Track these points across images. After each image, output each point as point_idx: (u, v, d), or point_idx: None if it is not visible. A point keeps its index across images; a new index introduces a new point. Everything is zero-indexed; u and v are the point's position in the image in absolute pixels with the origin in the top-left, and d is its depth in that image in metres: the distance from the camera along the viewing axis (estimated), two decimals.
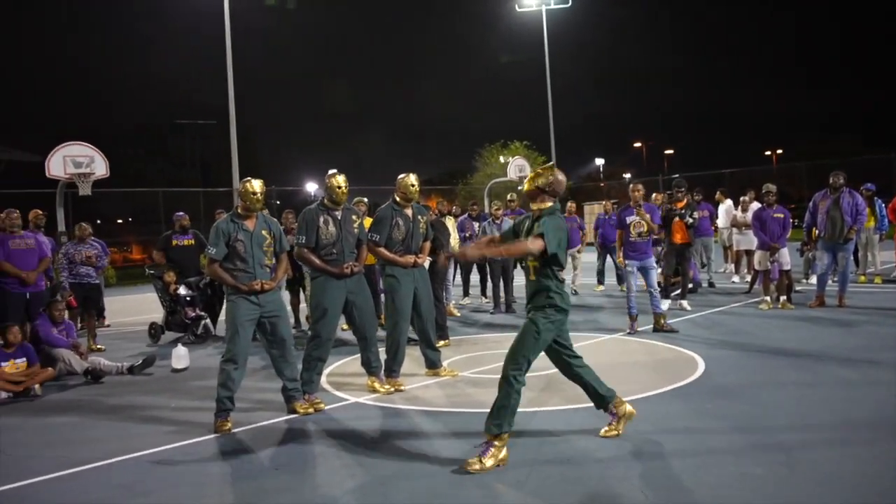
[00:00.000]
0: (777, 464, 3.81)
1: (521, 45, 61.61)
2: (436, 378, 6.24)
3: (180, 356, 7.28)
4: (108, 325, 11.01)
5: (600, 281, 12.60)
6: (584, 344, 7.53)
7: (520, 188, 23.09)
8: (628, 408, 4.44)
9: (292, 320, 9.35)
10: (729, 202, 13.49)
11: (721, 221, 13.58)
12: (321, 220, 5.61)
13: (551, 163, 6.14)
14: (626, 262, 8.10)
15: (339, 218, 5.68)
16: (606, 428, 4.40)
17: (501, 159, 32.25)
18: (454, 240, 9.62)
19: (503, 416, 4.00)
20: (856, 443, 4.08)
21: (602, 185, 39.26)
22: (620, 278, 8.93)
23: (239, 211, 5.26)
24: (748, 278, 11.51)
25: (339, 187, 5.65)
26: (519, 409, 4.98)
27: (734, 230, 12.64)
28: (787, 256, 9.26)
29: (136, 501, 3.78)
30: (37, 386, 6.43)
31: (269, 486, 3.89)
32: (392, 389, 5.80)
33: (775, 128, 72.93)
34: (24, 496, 3.95)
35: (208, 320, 9.10)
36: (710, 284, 11.91)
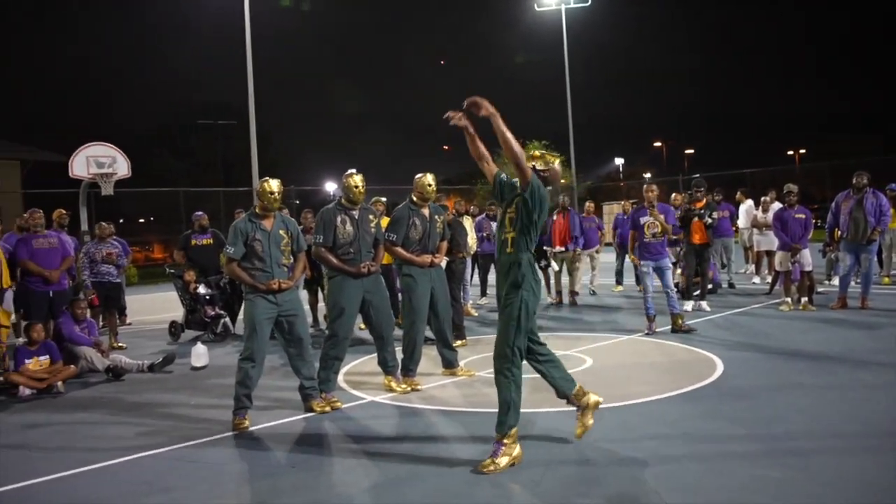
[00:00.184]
0: (794, 468, 3.77)
1: (540, 44, 61.47)
2: (452, 378, 6.25)
3: (200, 354, 7.36)
4: (130, 324, 11.14)
5: (619, 281, 12.54)
6: (601, 344, 7.51)
7: None
8: (593, 398, 4.28)
9: (310, 319, 9.42)
10: (749, 202, 13.36)
11: (742, 222, 13.45)
12: (338, 219, 5.65)
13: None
14: (642, 262, 8.06)
15: (357, 217, 5.71)
16: (578, 421, 4.30)
17: None
18: (472, 239, 9.63)
19: (507, 414, 3.96)
20: (876, 448, 4.03)
21: (621, 184, 39.03)
22: (639, 279, 8.88)
23: (257, 210, 5.31)
24: (769, 279, 11.39)
25: (357, 187, 5.69)
26: (534, 410, 5.01)
27: (755, 231, 12.51)
28: (808, 257, 9.16)
29: (155, 498, 3.83)
30: (59, 383, 6.53)
31: (285, 484, 3.93)
32: (408, 389, 5.82)
33: (798, 128, 72.11)
34: (48, 491, 4.02)
35: (227, 319, 9.19)
36: (731, 285, 11.81)
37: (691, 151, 55.60)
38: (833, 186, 22.63)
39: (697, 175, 27.17)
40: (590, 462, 4.00)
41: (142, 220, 41.10)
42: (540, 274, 10.38)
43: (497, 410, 4.07)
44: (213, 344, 8.61)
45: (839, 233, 9.20)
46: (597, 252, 12.28)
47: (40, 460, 4.55)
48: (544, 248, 11.10)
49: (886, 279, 11.22)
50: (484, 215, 11.68)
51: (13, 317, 8.12)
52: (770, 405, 4.97)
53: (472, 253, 9.76)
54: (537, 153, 4.31)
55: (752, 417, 4.70)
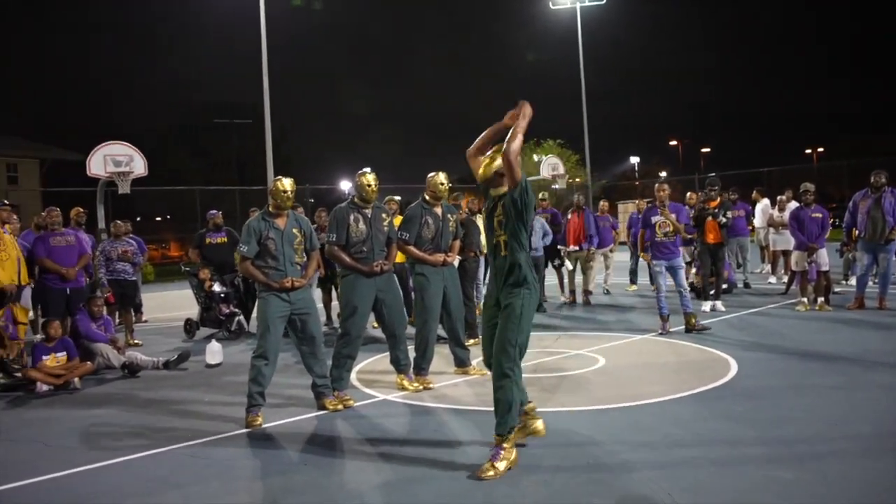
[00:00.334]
0: (808, 469, 3.74)
1: (555, 42, 61.29)
2: (465, 376, 6.25)
3: (214, 352, 7.42)
4: (146, 321, 11.24)
5: (633, 280, 12.49)
6: (615, 344, 7.48)
7: (555, 187, 23.03)
8: (539, 424, 4.25)
9: (324, 318, 9.46)
10: (765, 201, 13.26)
11: (758, 221, 13.35)
12: (351, 217, 5.67)
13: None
14: (654, 262, 8.02)
15: (370, 216, 5.73)
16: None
17: (535, 158, 32.12)
18: (484, 238, 9.60)
19: (509, 413, 3.90)
20: (891, 450, 3.99)
21: (636, 183, 38.83)
22: (653, 278, 8.83)
23: (270, 209, 5.34)
24: (785, 279, 11.30)
25: (369, 185, 5.70)
26: (546, 409, 5.00)
27: (771, 230, 12.41)
28: (825, 257, 9.07)
29: (169, 494, 3.87)
30: (76, 379, 6.60)
31: (297, 482, 3.95)
32: (421, 387, 5.84)
33: (817, 126, 71.40)
34: (63, 486, 4.07)
35: (242, 317, 9.25)
36: (746, 285, 11.72)
37: (707, 150, 55.16)
38: (851, 185, 22.40)
39: (713, 174, 27.01)
40: (600, 462, 3.99)
41: (158, 219, 41.48)
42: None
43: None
44: (228, 342, 8.67)
45: (857, 232, 9.11)
46: (611, 251, 12.25)
47: (56, 455, 4.60)
48: (558, 246, 11.09)
49: None
50: None
51: (31, 314, 8.23)
52: (784, 406, 4.93)
53: (484, 252, 9.75)
54: (498, 153, 4.14)
55: (765, 418, 4.67)
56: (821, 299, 9.08)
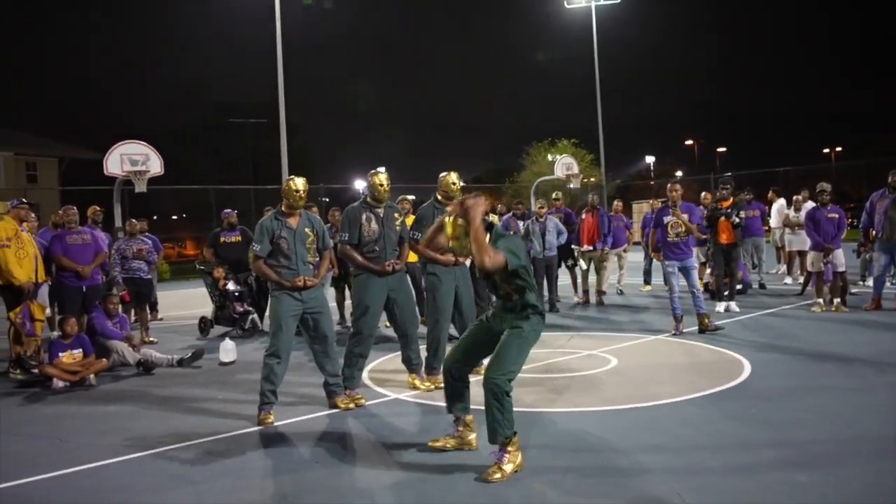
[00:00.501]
0: (821, 471, 3.71)
1: (570, 42, 61.02)
2: (476, 376, 6.21)
3: (228, 350, 7.47)
4: (161, 319, 11.34)
5: (647, 281, 12.43)
6: (628, 344, 7.45)
7: (570, 186, 22.96)
8: (472, 437, 4.24)
9: (337, 317, 9.50)
10: (781, 201, 13.14)
11: (773, 221, 13.24)
12: (364, 217, 5.69)
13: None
14: (667, 262, 7.97)
15: (382, 216, 5.75)
16: (441, 438, 4.31)
17: (549, 157, 32.04)
18: None
19: (508, 422, 3.85)
20: None
21: (651, 183, 38.62)
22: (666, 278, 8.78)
23: (283, 209, 5.37)
24: (801, 280, 11.20)
25: (381, 185, 5.72)
26: (557, 409, 5.01)
27: (787, 230, 12.30)
28: (841, 258, 8.99)
29: (181, 491, 3.90)
30: (92, 376, 6.67)
31: (308, 480, 3.97)
32: (432, 387, 5.84)
33: (834, 125, 70.60)
34: (78, 481, 4.12)
35: (256, 315, 9.31)
36: (761, 286, 11.63)
37: (723, 149, 54.75)
38: (869, 185, 22.13)
39: (728, 173, 26.80)
40: (611, 463, 3.98)
41: (174, 217, 41.82)
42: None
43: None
44: (241, 340, 8.73)
45: (874, 232, 9.01)
46: (625, 251, 12.20)
47: (71, 451, 4.66)
48: (572, 246, 11.06)
49: None
50: (511, 214, 11.65)
51: (48, 311, 8.32)
52: (797, 408, 4.89)
53: None
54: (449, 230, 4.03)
55: (778, 420, 4.64)
56: (837, 300, 8.99)
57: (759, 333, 7.75)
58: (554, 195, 12.12)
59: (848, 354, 6.46)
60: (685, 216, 7.86)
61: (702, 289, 8.68)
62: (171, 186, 25.60)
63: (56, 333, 7.11)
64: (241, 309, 9.25)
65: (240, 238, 9.69)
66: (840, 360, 6.29)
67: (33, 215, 8.10)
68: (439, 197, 6.26)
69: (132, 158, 12.65)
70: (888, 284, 9.45)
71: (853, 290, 10.00)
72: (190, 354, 7.39)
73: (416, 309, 6.22)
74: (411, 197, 10.19)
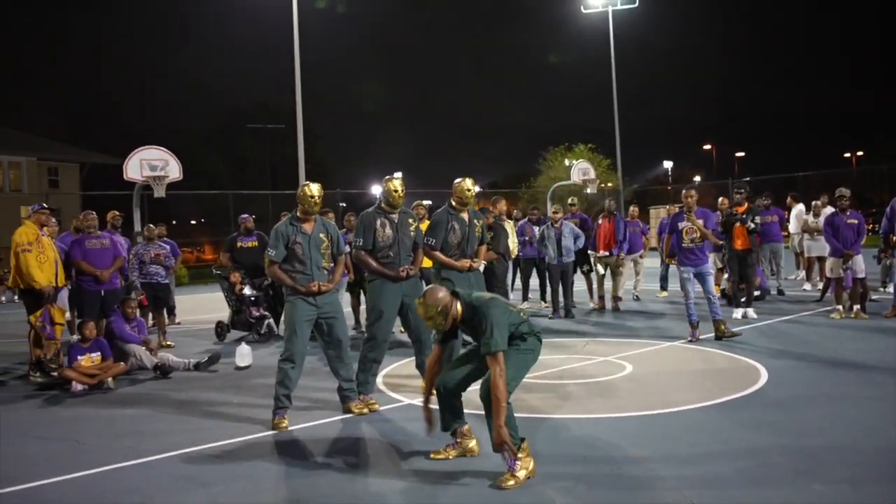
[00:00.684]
0: (838, 481, 3.67)
1: (587, 46, 60.86)
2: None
3: (244, 354, 7.52)
4: (179, 323, 11.43)
5: (663, 287, 12.36)
6: (643, 351, 7.41)
7: (587, 191, 22.90)
8: (472, 444, 4.24)
9: (352, 322, 9.53)
10: (800, 206, 13.01)
11: (792, 227, 13.12)
12: (378, 222, 5.71)
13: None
14: (682, 268, 7.92)
15: (396, 221, 5.77)
16: (442, 449, 4.29)
17: (566, 162, 31.97)
18: (513, 243, 9.61)
19: (514, 432, 3.85)
20: None
21: (669, 188, 38.40)
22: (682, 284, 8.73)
23: (298, 214, 5.41)
24: (820, 286, 11.08)
25: (396, 191, 5.74)
26: (570, 416, 4.99)
27: (805, 236, 12.19)
28: (861, 264, 8.88)
29: (196, 493, 3.93)
30: (110, 379, 6.75)
31: (321, 483, 4.00)
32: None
33: (855, 130, 69.63)
34: (95, 483, 4.16)
35: (272, 320, 9.36)
36: (780, 292, 11.52)
37: (742, 154, 54.31)
38: (891, 190, 21.86)
39: (746, 178, 26.57)
40: (623, 470, 3.96)
41: (193, 222, 42.18)
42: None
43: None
44: (257, 344, 8.78)
45: (894, 238, 8.90)
46: (641, 257, 12.14)
47: (88, 453, 4.71)
48: (588, 252, 11.03)
49: None
50: (526, 219, 11.65)
51: (68, 314, 8.43)
52: (815, 416, 4.84)
53: (514, 255, 9.75)
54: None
55: (794, 428, 4.59)
56: (856, 307, 8.88)
57: (777, 340, 7.68)
58: (569, 200, 12.09)
59: (867, 362, 6.38)
60: (700, 222, 7.81)
61: (718, 295, 8.61)
62: (190, 191, 25.84)
63: (75, 337, 7.20)
64: (258, 313, 9.31)
65: (256, 243, 9.76)
66: (859, 367, 6.21)
67: (54, 220, 8.20)
68: (454, 203, 6.27)
69: (151, 164, 12.78)
70: None
71: (873, 297, 9.88)
72: (206, 358, 7.45)
73: None
74: (427, 202, 10.20)
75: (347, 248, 6.52)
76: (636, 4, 29.29)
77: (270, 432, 5.00)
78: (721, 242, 9.51)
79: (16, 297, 12.97)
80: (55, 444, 5.01)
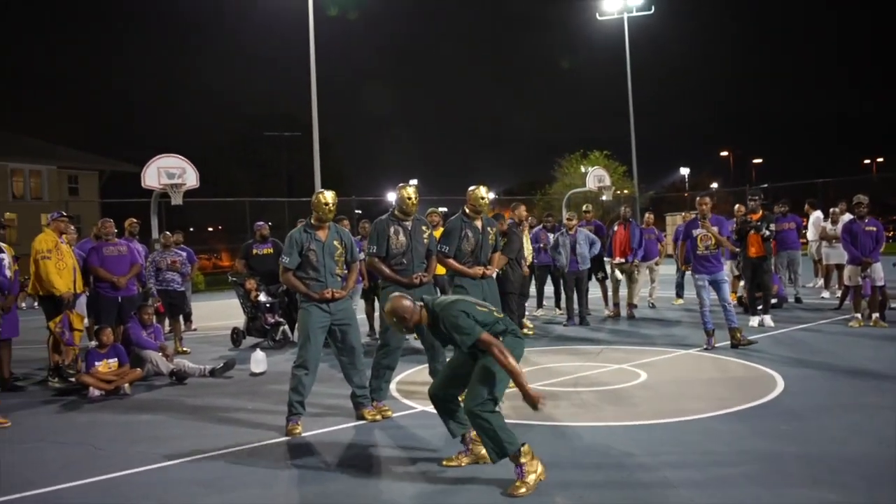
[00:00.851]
0: (854, 491, 3.63)
1: (602, 53, 60.80)
2: None
3: (259, 360, 7.56)
4: (196, 329, 11.52)
5: (679, 294, 12.28)
6: (658, 359, 7.37)
7: (602, 198, 22.85)
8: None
9: (367, 329, 9.56)
10: (818, 213, 12.89)
11: (810, 234, 12.99)
12: (391, 230, 5.73)
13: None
14: (697, 276, 7.87)
15: (410, 228, 5.79)
16: (454, 456, 4.28)
17: (582, 169, 31.91)
18: (527, 250, 9.60)
19: (504, 440, 3.86)
20: None
21: (685, 195, 38.19)
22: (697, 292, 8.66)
23: (312, 221, 5.45)
24: (838, 294, 10.96)
25: (409, 198, 5.76)
26: (584, 424, 4.97)
27: (824, 243, 12.06)
28: (880, 272, 8.79)
29: (209, 499, 3.96)
30: (126, 385, 6.81)
31: (333, 489, 4.01)
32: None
33: (875, 136, 68.87)
34: (110, 488, 4.21)
35: (286, 326, 9.41)
36: (797, 300, 11.40)
37: (759, 161, 53.87)
38: None
39: (765, 185, 26.36)
40: (636, 478, 3.94)
41: (210, 229, 42.52)
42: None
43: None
44: (272, 351, 8.83)
45: None
46: (656, 264, 12.07)
47: (104, 458, 4.76)
48: (604, 259, 11.00)
49: None
50: (541, 226, 11.63)
51: (86, 321, 8.52)
52: (831, 426, 4.79)
53: (529, 261, 9.73)
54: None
55: (811, 438, 4.54)
56: (875, 315, 8.78)
57: (794, 348, 7.60)
58: (584, 207, 12.07)
59: (886, 371, 6.30)
60: (715, 229, 7.76)
61: (734, 302, 8.55)
62: (207, 199, 26.06)
63: (93, 343, 7.27)
64: (273, 320, 9.36)
65: (271, 250, 9.82)
66: (878, 377, 6.14)
67: (72, 227, 8.31)
68: (468, 210, 6.29)
69: (169, 171, 12.91)
70: None
71: (893, 305, 9.74)
72: (221, 365, 7.50)
73: None
74: (443, 209, 10.22)
75: (361, 256, 6.55)
76: (651, 11, 29.22)
77: (284, 438, 5.03)
78: (737, 250, 9.45)
79: (35, 304, 13.14)
80: (72, 449, 5.06)
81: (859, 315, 8.83)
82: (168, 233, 9.88)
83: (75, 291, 7.58)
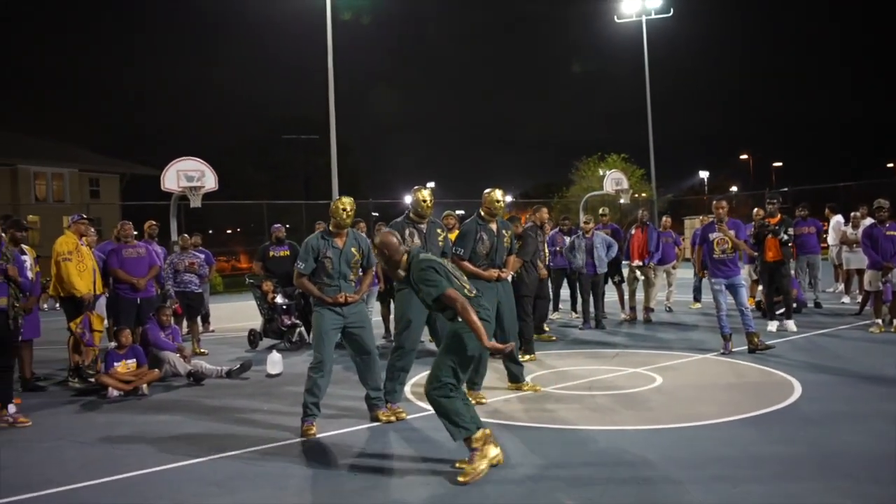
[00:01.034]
0: (871, 499, 3.59)
1: (621, 55, 60.60)
2: (517, 392, 6.24)
3: (275, 362, 7.62)
4: (213, 331, 11.61)
5: (696, 298, 12.20)
6: (674, 363, 7.33)
7: (620, 201, 22.77)
8: (493, 451, 4.16)
9: (383, 331, 9.59)
10: (838, 218, 12.75)
11: (830, 238, 12.85)
12: (406, 232, 5.77)
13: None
14: (713, 280, 7.81)
15: (425, 231, 5.81)
16: (460, 461, 4.24)
17: (599, 172, 31.80)
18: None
19: (461, 421, 4.07)
20: None
21: (704, 198, 37.93)
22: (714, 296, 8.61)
23: (330, 228, 5.47)
24: (859, 299, 10.83)
25: (424, 201, 5.79)
26: (598, 427, 4.96)
27: (844, 248, 11.93)
28: None
29: (223, 499, 4.00)
30: (144, 386, 6.89)
31: (346, 490, 4.04)
32: (473, 402, 5.82)
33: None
34: (129, 487, 4.26)
35: (303, 328, 9.46)
36: (817, 305, 11.29)
37: (779, 164, 53.36)
38: None
39: (785, 189, 26.10)
40: (649, 482, 3.93)
41: (228, 231, 42.86)
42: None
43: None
44: (289, 352, 8.88)
45: None
46: (673, 268, 12.00)
47: (122, 458, 4.82)
48: (623, 262, 10.96)
49: None
50: (557, 229, 11.60)
51: (106, 322, 8.63)
52: (849, 432, 4.73)
53: (546, 263, 9.70)
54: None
55: (827, 444, 4.50)
56: None
57: (812, 354, 7.53)
58: (601, 211, 12.02)
59: None
60: (732, 232, 7.70)
61: (753, 307, 8.47)
62: (225, 201, 26.27)
63: (112, 344, 7.37)
64: (289, 322, 9.43)
65: (288, 252, 9.89)
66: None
67: (92, 230, 8.42)
68: (483, 213, 6.30)
69: (188, 174, 13.08)
70: None
71: None
72: (238, 366, 7.57)
73: None
74: (460, 212, 10.24)
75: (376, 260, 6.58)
76: (670, 13, 29.09)
77: (299, 439, 5.07)
78: (755, 253, 9.37)
79: (57, 305, 13.33)
80: (90, 449, 5.13)
81: (880, 321, 8.73)
82: (186, 235, 9.99)
83: (95, 293, 7.68)
